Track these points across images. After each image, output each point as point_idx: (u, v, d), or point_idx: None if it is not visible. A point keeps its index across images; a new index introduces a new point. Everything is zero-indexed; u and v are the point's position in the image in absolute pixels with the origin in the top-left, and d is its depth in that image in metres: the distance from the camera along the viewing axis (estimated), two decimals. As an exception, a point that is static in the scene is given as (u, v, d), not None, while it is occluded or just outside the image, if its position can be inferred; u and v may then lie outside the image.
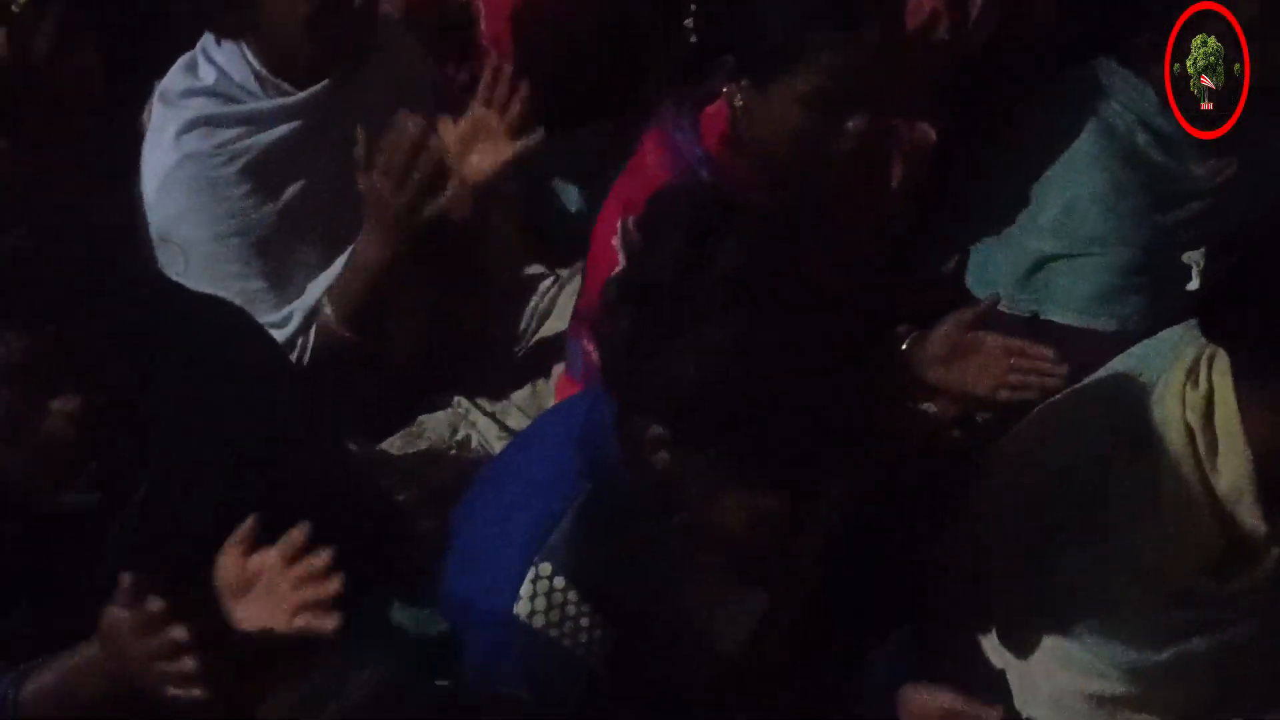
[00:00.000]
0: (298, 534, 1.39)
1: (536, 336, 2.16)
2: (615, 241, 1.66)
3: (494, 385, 2.10)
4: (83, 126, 1.81)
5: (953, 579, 1.68)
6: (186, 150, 1.83)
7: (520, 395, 2.10)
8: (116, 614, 1.41)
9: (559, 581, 1.38)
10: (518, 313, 2.16)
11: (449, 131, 1.77)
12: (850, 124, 1.69)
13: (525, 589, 1.37)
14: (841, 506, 1.34)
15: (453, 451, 2.04)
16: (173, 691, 1.41)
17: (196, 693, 1.40)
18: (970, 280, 2.11)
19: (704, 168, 1.75)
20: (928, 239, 2.17)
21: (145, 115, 2.17)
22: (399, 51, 1.97)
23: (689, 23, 2.39)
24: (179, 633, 1.38)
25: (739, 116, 1.75)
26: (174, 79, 1.89)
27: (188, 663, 1.38)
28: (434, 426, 2.06)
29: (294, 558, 1.40)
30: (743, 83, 1.73)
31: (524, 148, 1.76)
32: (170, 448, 1.49)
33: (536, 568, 1.37)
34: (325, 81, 1.88)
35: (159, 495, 1.49)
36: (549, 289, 2.17)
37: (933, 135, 2.05)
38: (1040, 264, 2.04)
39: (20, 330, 1.31)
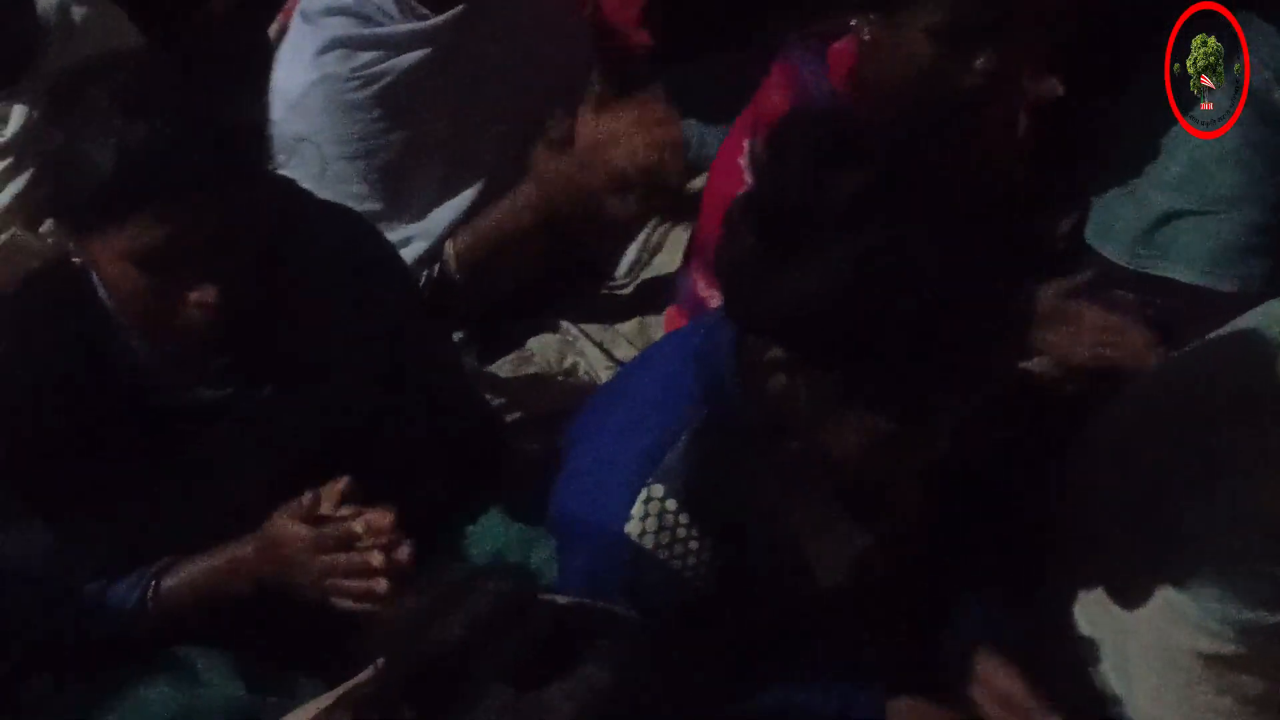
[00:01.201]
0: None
1: (647, 270, 2.17)
2: (742, 161, 1.65)
3: (603, 315, 2.12)
4: (219, 22, 1.85)
5: (1062, 529, 1.66)
6: (324, 71, 1.86)
7: (628, 327, 2.11)
8: (292, 527, 1.44)
9: (670, 504, 1.38)
10: (625, 242, 2.17)
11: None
12: (978, 61, 1.67)
13: (636, 509, 1.38)
14: (955, 441, 1.32)
15: (560, 378, 2.06)
16: (344, 604, 1.43)
17: (375, 610, 1.41)
18: (1091, 234, 2.06)
19: (829, 104, 1.73)
20: (1047, 192, 2.14)
21: (273, 28, 2.21)
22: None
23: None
24: (376, 557, 1.40)
25: (866, 52, 1.73)
26: None
27: (382, 584, 1.40)
28: (542, 352, 2.08)
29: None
30: (870, 16, 1.72)
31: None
32: (296, 348, 1.52)
33: (649, 489, 1.38)
34: (460, 8, 1.89)
35: (282, 396, 1.52)
36: (661, 223, 2.18)
37: (1060, 88, 2.01)
38: (1165, 220, 2.00)
39: (160, 217, 1.34)
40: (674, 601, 1.41)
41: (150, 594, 1.53)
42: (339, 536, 1.42)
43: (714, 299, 1.74)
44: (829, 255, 1.22)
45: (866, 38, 1.72)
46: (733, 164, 1.71)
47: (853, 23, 1.74)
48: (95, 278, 1.44)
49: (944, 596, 1.53)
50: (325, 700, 1.23)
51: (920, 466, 1.37)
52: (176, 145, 1.33)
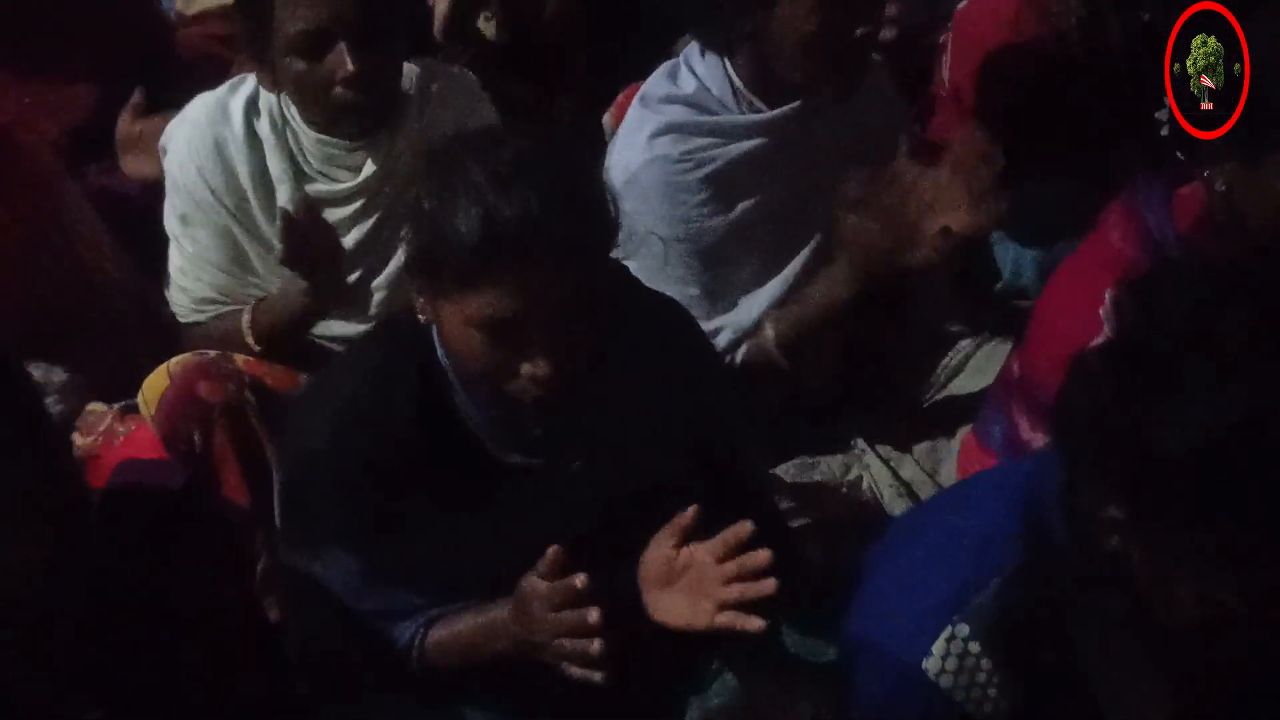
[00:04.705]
0: (740, 530, 1.41)
1: (945, 392, 2.13)
2: (1102, 312, 1.60)
3: (895, 434, 2.08)
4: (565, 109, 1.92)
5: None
6: (657, 153, 1.89)
7: (920, 449, 2.07)
8: (535, 583, 1.47)
9: (974, 646, 1.34)
10: (931, 365, 2.14)
11: (925, 186, 1.75)
12: None
13: (938, 646, 1.34)
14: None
15: (844, 490, 2.03)
16: (572, 669, 1.46)
17: (596, 676, 1.44)
18: None
19: (1174, 251, 1.68)
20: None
21: (605, 118, 2.28)
22: (869, 86, 1.97)
23: (1160, 115, 2.31)
24: (592, 614, 1.42)
25: (1219, 201, 1.67)
26: (655, 84, 1.96)
27: (595, 644, 1.42)
28: (828, 461, 2.05)
29: (728, 555, 1.41)
30: (1227, 165, 1.65)
31: (994, 215, 1.73)
32: (607, 429, 1.54)
33: (954, 627, 1.34)
34: (796, 103, 1.91)
35: (588, 472, 1.54)
36: (966, 347, 2.14)
37: None
38: None
39: (512, 290, 1.38)
40: (962, 743, 1.36)
41: (419, 638, 1.57)
42: (565, 590, 1.43)
43: (1036, 440, 1.70)
44: (1196, 411, 1.17)
45: (1221, 188, 1.66)
46: (1077, 308, 1.65)
47: (1205, 173, 1.68)
48: (437, 336, 1.49)
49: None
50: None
51: (1258, 641, 1.29)
52: (540, 223, 1.36)
